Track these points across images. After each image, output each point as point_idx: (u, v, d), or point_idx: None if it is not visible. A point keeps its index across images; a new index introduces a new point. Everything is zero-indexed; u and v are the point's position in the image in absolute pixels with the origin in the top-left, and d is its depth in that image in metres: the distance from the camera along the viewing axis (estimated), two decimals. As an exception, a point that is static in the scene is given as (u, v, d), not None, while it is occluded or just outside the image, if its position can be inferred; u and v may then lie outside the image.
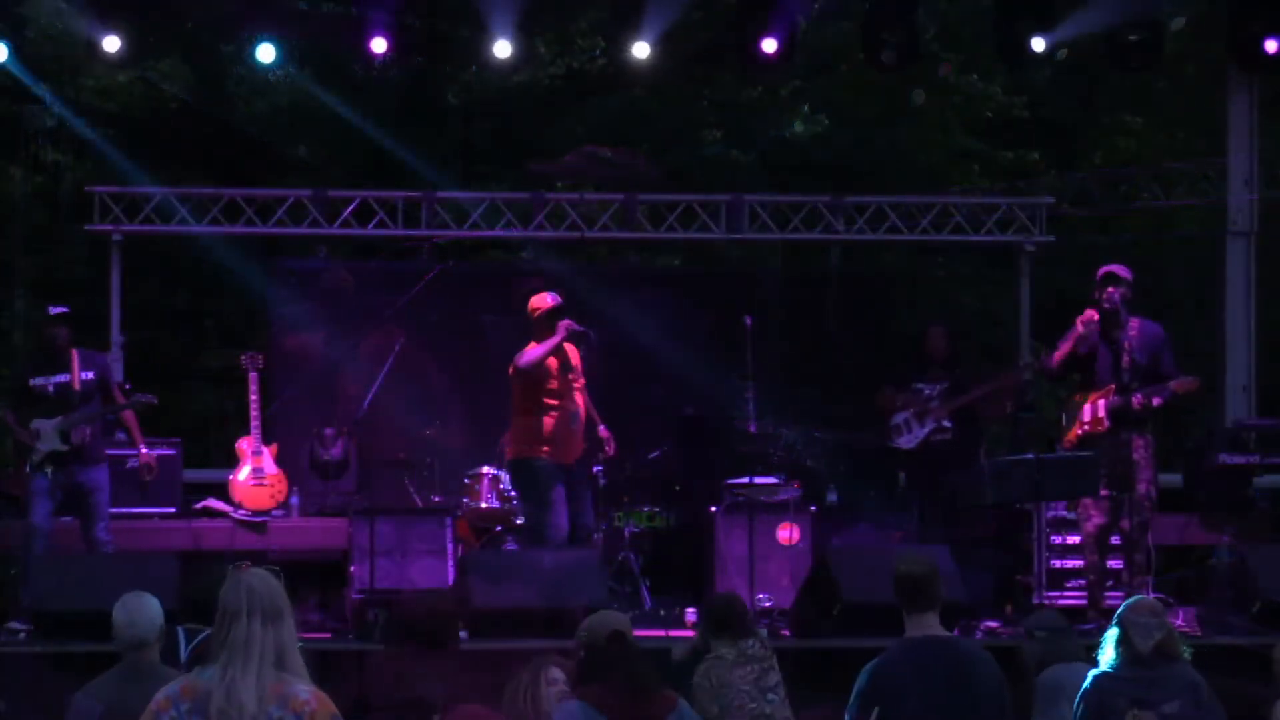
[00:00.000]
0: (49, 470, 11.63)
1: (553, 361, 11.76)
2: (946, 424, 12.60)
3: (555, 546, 11.56)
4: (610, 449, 12.28)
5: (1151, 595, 11.69)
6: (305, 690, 4.85)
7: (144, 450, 12.16)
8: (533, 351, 11.70)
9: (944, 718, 6.44)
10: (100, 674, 6.98)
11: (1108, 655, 7.48)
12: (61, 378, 11.78)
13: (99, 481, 11.78)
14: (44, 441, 11.64)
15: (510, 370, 11.78)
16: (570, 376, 11.86)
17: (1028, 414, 13.18)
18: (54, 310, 12.00)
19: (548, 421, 11.73)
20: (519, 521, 12.46)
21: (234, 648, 4.75)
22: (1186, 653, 7.64)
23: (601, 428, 12.14)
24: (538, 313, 11.83)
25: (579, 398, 11.89)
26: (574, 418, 11.81)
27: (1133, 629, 7.51)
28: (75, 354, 11.85)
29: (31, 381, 11.81)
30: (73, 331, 11.93)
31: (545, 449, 11.70)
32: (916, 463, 12.77)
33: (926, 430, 12.62)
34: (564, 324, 11.72)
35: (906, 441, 12.69)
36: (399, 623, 9.16)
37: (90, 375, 11.84)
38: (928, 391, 12.66)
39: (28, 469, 11.82)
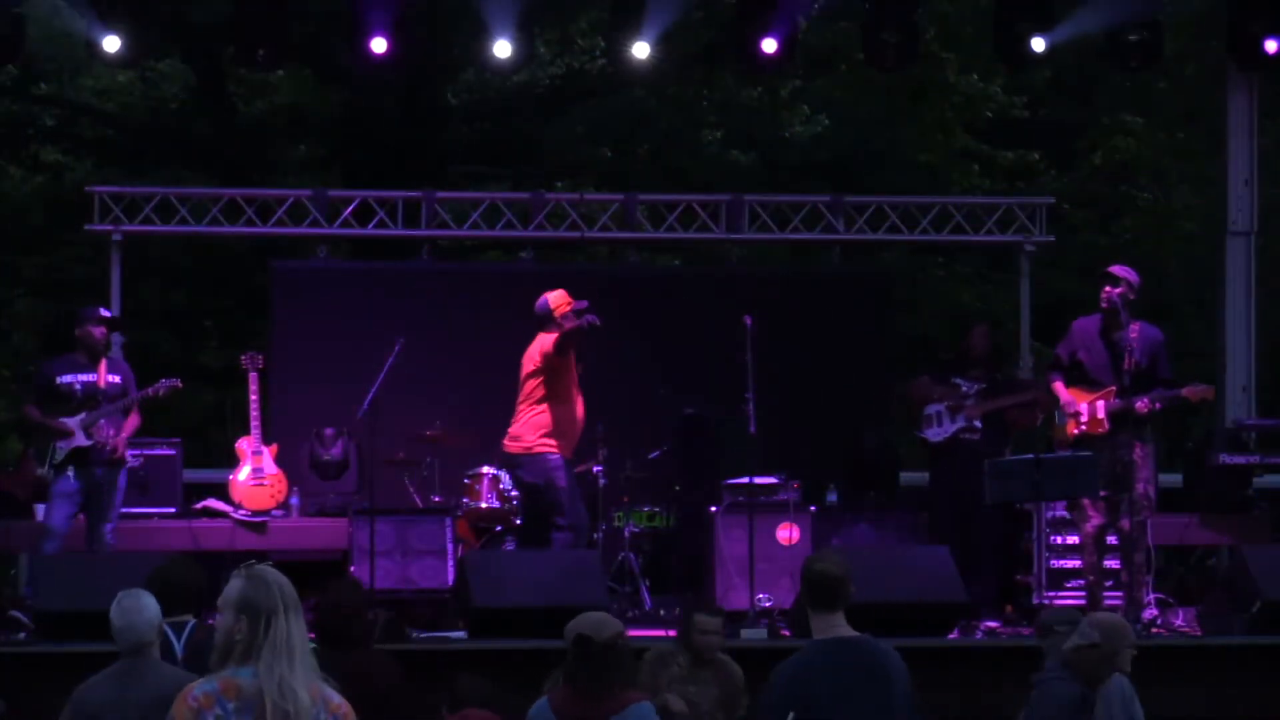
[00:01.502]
0: (71, 471, 11.61)
1: (570, 359, 11.87)
2: (977, 424, 12.61)
3: (559, 545, 11.68)
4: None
5: (1152, 595, 11.72)
6: (334, 693, 4.88)
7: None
8: (570, 323, 11.76)
9: (862, 718, 6.34)
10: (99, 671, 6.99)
11: None
12: (89, 376, 11.74)
13: (118, 482, 11.77)
14: (68, 439, 11.62)
15: (547, 350, 11.81)
16: (578, 372, 12.00)
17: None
18: (105, 313, 12.00)
19: (559, 414, 11.89)
20: (519, 522, 12.47)
21: (276, 646, 4.75)
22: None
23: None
24: (564, 308, 11.88)
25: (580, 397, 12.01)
26: (578, 410, 11.99)
27: (1078, 632, 7.56)
28: (104, 360, 11.86)
29: (59, 379, 11.75)
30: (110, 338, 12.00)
31: (554, 441, 11.90)
32: (940, 458, 12.77)
33: (957, 427, 12.63)
34: (586, 312, 11.81)
35: (935, 434, 12.70)
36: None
37: (117, 378, 11.82)
38: (965, 388, 12.67)
39: (45, 469, 11.75)
